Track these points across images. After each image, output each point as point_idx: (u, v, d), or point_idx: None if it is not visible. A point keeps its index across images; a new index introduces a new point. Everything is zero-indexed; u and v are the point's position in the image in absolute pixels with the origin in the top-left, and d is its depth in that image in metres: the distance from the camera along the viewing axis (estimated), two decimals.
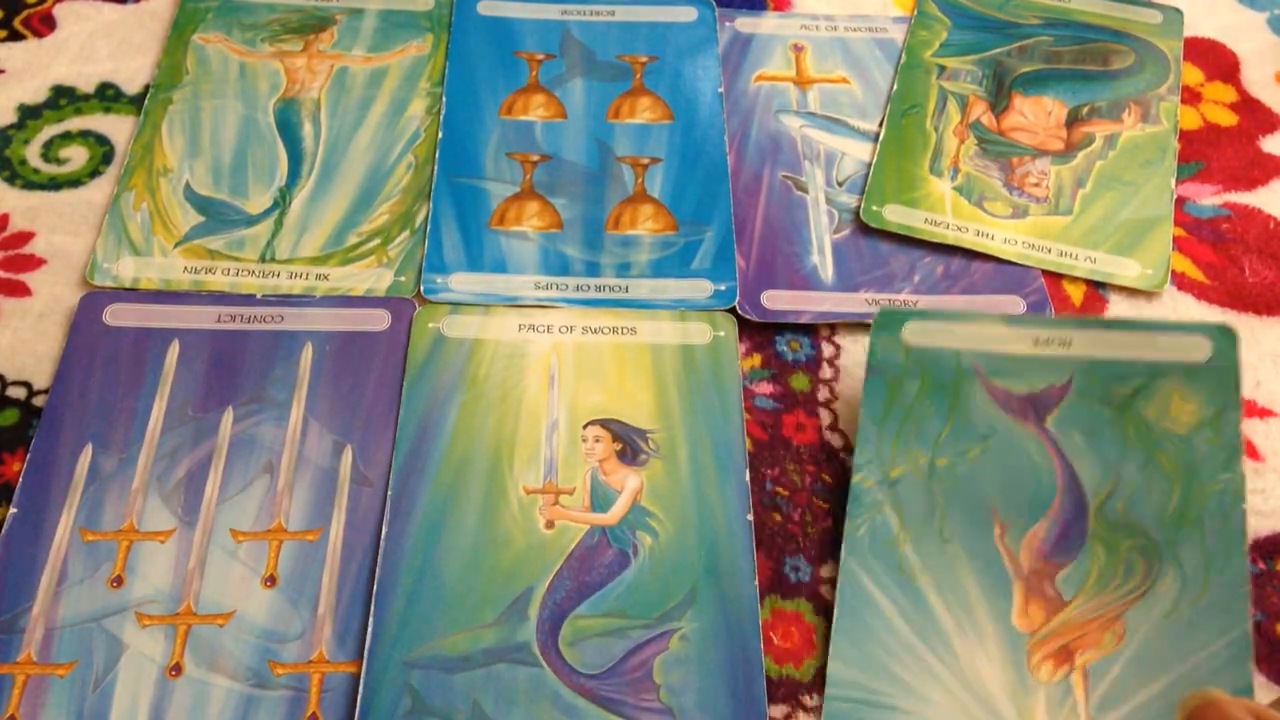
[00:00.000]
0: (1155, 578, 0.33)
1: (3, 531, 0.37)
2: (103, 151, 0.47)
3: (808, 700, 0.34)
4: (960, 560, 0.33)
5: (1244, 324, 0.44)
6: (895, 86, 0.50)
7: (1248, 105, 0.51)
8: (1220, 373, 0.35)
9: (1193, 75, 0.52)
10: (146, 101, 0.48)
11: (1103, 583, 0.33)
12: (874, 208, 0.46)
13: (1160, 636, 0.32)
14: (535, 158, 0.47)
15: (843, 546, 0.33)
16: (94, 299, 0.42)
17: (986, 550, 0.33)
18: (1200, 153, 0.49)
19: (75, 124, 0.48)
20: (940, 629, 0.32)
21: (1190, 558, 0.33)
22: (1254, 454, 0.40)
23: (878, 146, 0.48)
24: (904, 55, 0.52)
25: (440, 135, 0.48)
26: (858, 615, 0.32)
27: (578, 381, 0.41)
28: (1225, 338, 0.35)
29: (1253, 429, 0.41)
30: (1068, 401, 0.35)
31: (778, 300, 0.44)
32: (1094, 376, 0.35)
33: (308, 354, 0.41)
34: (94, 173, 0.46)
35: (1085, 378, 0.35)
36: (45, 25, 0.52)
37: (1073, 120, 0.49)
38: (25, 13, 0.52)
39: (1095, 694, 0.31)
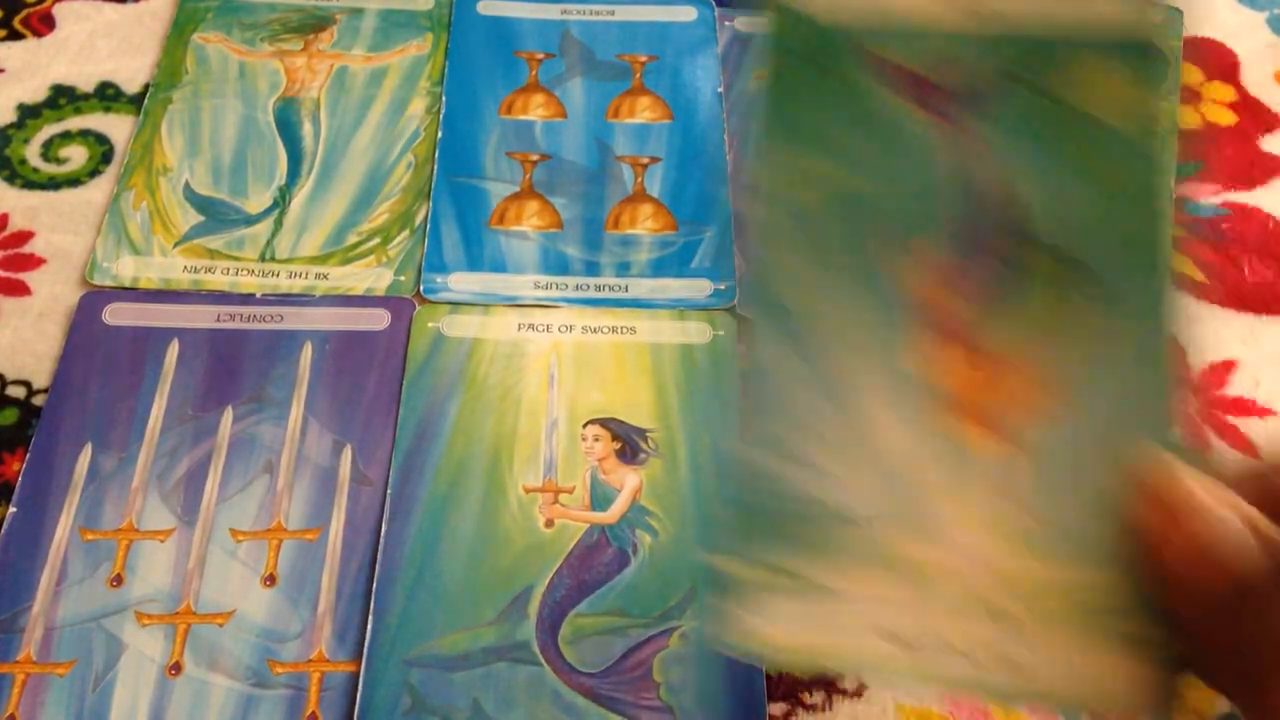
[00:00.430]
0: (1084, 310, 0.26)
1: (2, 531, 0.37)
2: (102, 151, 0.47)
3: (807, 698, 0.34)
4: (863, 298, 0.26)
5: (1243, 323, 0.44)
6: None
7: (1247, 105, 0.51)
8: (1160, 50, 0.27)
9: (1192, 75, 0.52)
10: (146, 101, 0.48)
11: (1031, 324, 0.26)
12: None
13: (1094, 384, 0.26)
14: (535, 157, 0.47)
15: (738, 299, 0.28)
16: (93, 298, 0.42)
17: (892, 283, 0.26)
18: (1200, 152, 0.49)
19: (75, 123, 0.48)
20: (849, 390, 0.26)
21: (1130, 292, 0.27)
22: (1253, 453, 0.40)
23: None
24: None
25: (440, 135, 0.48)
26: (761, 382, 0.26)
27: (577, 380, 0.41)
28: (1172, 11, 0.28)
29: (1252, 429, 0.41)
30: (989, 87, 0.27)
31: None
32: (1023, 53, 0.27)
33: (307, 353, 0.41)
34: (94, 172, 0.46)
35: (1013, 56, 0.27)
36: (45, 25, 0.52)
37: None
38: (25, 12, 0.52)
39: (1025, 463, 0.26)
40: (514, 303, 0.43)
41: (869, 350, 0.26)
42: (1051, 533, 0.25)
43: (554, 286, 0.43)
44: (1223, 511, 0.23)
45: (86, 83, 0.49)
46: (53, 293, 0.43)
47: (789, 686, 0.34)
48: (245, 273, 0.43)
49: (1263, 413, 0.41)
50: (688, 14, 0.53)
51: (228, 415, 0.40)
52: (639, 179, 0.47)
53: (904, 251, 0.27)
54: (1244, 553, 0.23)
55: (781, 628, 0.25)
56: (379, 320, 0.42)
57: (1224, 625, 0.23)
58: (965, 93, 0.27)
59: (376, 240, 0.44)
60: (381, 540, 0.37)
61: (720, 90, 0.50)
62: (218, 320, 0.42)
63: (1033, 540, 0.25)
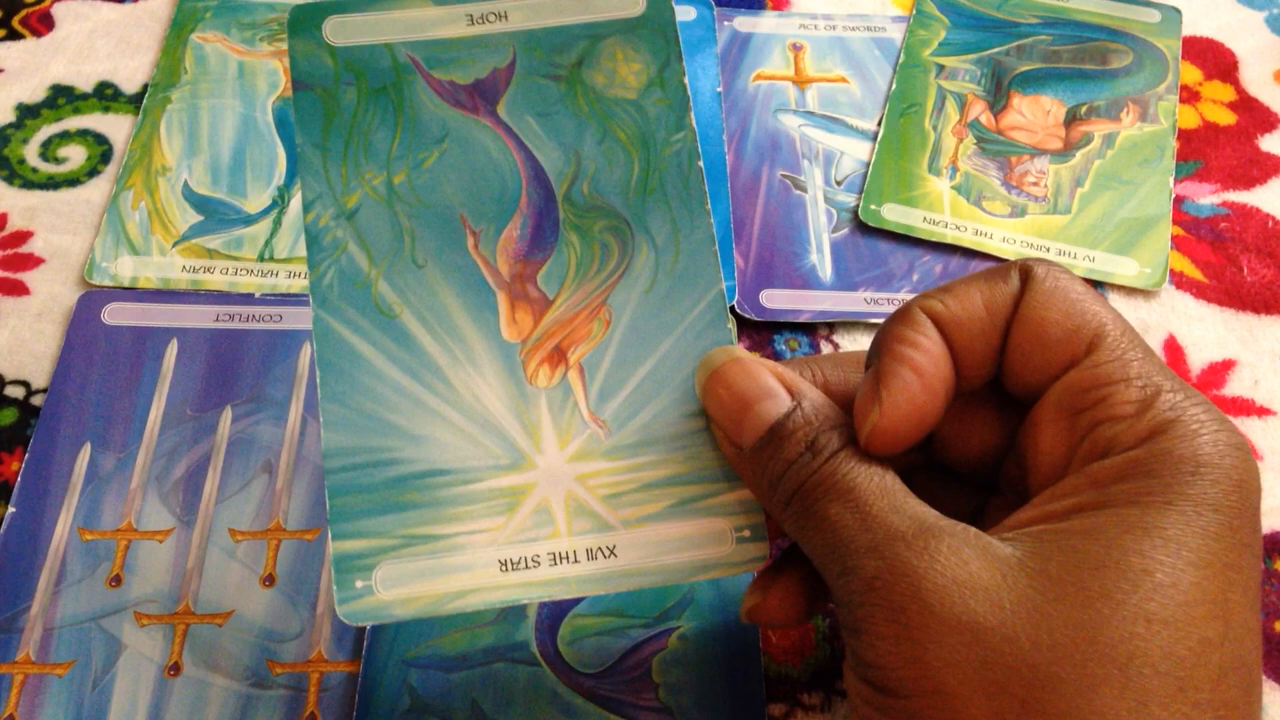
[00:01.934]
0: (631, 255, 0.31)
1: (1, 531, 0.37)
2: (101, 151, 0.47)
3: (806, 699, 0.34)
4: (439, 283, 0.30)
5: (1243, 323, 0.44)
6: (894, 86, 0.50)
7: (1246, 104, 0.51)
8: (658, 23, 0.32)
9: (1191, 74, 0.52)
10: (145, 100, 0.48)
11: (582, 272, 0.31)
12: (872, 207, 0.46)
13: (644, 313, 0.30)
14: None
15: (310, 301, 0.30)
16: (92, 298, 0.42)
17: (464, 265, 0.31)
18: (1199, 152, 0.49)
19: (74, 123, 0.48)
20: (431, 362, 0.30)
21: (659, 227, 0.31)
22: (1254, 453, 0.40)
23: (876, 146, 0.48)
24: (902, 54, 0.52)
25: None
26: (342, 372, 0.30)
27: None
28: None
29: (1251, 428, 0.41)
30: (515, 83, 0.32)
31: (776, 299, 0.44)
32: (537, 49, 0.32)
33: (306, 353, 0.41)
34: (92, 172, 0.46)
35: (528, 53, 0.32)
36: (44, 24, 0.52)
37: (1071, 119, 0.49)
38: (24, 12, 0.52)
39: (594, 387, 0.30)
40: None
41: (459, 324, 0.30)
42: (611, 432, 0.30)
43: None
44: (755, 367, 0.28)
45: (85, 82, 0.49)
46: (51, 292, 0.43)
47: (789, 687, 0.34)
48: (244, 273, 0.43)
49: (1262, 412, 0.41)
50: (687, 14, 0.53)
51: (227, 415, 0.40)
52: None
53: (469, 234, 0.31)
54: (772, 395, 0.27)
55: (409, 588, 0.29)
56: None
57: (760, 462, 0.27)
58: (489, 89, 0.32)
59: None
60: None
61: (719, 90, 0.50)
62: (216, 320, 0.42)
63: (597, 442, 0.30)
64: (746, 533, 0.29)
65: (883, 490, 0.25)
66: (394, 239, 0.31)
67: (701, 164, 0.32)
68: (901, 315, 0.28)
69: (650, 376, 0.30)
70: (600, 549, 0.29)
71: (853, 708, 0.25)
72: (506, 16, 0.32)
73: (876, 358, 0.27)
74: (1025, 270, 0.27)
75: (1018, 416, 0.28)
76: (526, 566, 0.29)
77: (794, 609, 0.29)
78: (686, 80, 0.32)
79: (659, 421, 0.30)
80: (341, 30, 0.32)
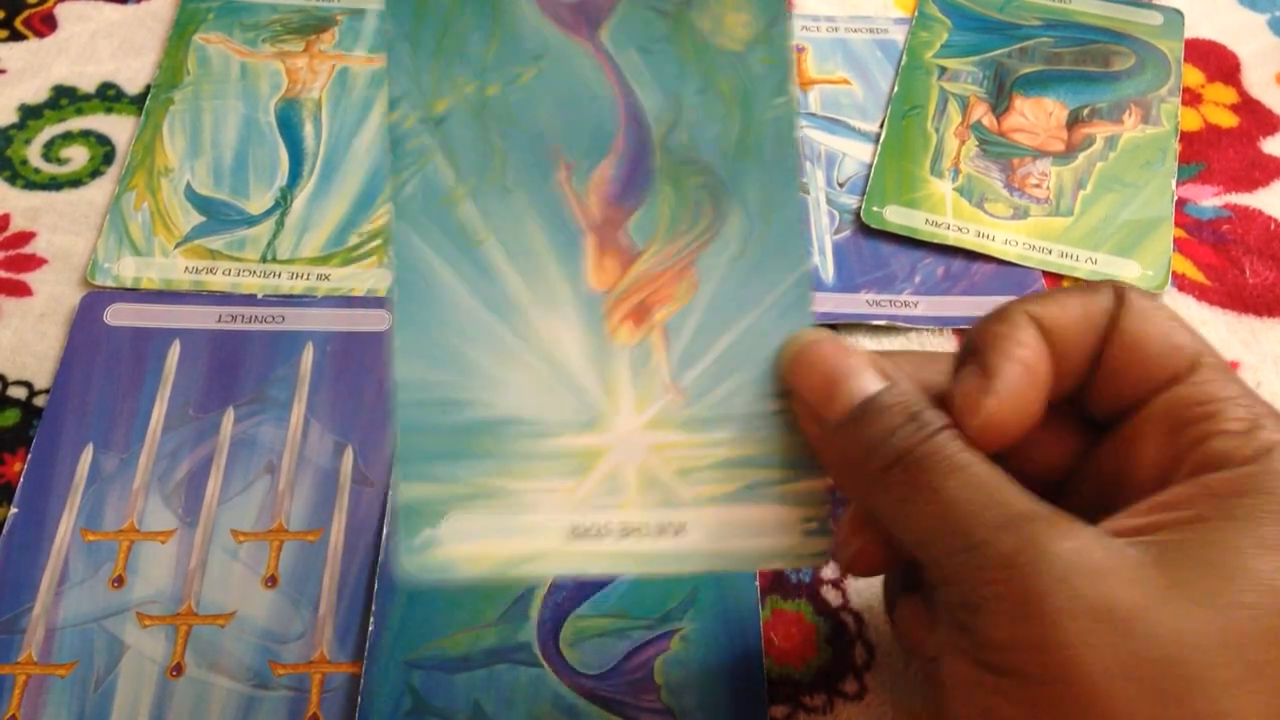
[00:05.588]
0: (723, 218, 0.29)
1: (3, 532, 0.37)
2: (104, 151, 0.47)
3: (808, 700, 0.34)
4: (526, 213, 0.28)
5: (1244, 325, 0.44)
6: (896, 88, 0.50)
7: (1248, 107, 0.51)
8: None
9: (1193, 77, 0.52)
10: (148, 101, 0.48)
11: (674, 227, 0.29)
12: (875, 208, 0.46)
13: (731, 280, 0.29)
14: None
15: (391, 210, 0.28)
16: (95, 299, 0.42)
17: (553, 198, 0.29)
18: (1201, 154, 0.49)
19: (76, 124, 0.48)
20: (512, 299, 0.28)
21: (753, 194, 0.29)
22: None
23: (878, 147, 0.48)
24: (905, 56, 0.52)
25: None
26: (420, 295, 0.27)
27: None
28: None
29: None
30: (619, 9, 0.29)
31: None
32: None
33: (308, 354, 0.41)
34: (95, 173, 0.46)
35: None
36: (46, 25, 0.52)
37: (1073, 121, 0.49)
38: (26, 13, 0.52)
39: (675, 351, 0.28)
40: None
41: (544, 262, 0.28)
42: (689, 402, 0.28)
43: None
44: (845, 346, 0.27)
45: (88, 83, 0.49)
46: (54, 293, 0.43)
47: (790, 688, 0.35)
48: (246, 273, 0.43)
49: None
50: None
51: (229, 416, 0.40)
52: None
53: (560, 165, 0.29)
54: (867, 372, 0.27)
55: (476, 544, 0.27)
56: (380, 321, 0.42)
57: (850, 433, 0.26)
58: (593, 9, 0.30)
59: (378, 241, 0.44)
60: (383, 541, 0.37)
61: None
62: (219, 321, 0.42)
63: (673, 411, 0.28)
64: (814, 524, 0.28)
65: (1000, 476, 0.25)
66: (483, 157, 0.29)
67: (799, 136, 0.29)
68: (1003, 315, 0.27)
69: (732, 349, 0.29)
70: (670, 525, 0.28)
71: (949, 694, 0.24)
72: None
73: (977, 354, 0.27)
74: (1119, 290, 0.27)
75: (1092, 432, 0.28)
76: (597, 535, 0.27)
77: (879, 558, 0.29)
78: (792, 44, 0.30)
79: (737, 398, 0.28)
80: None
